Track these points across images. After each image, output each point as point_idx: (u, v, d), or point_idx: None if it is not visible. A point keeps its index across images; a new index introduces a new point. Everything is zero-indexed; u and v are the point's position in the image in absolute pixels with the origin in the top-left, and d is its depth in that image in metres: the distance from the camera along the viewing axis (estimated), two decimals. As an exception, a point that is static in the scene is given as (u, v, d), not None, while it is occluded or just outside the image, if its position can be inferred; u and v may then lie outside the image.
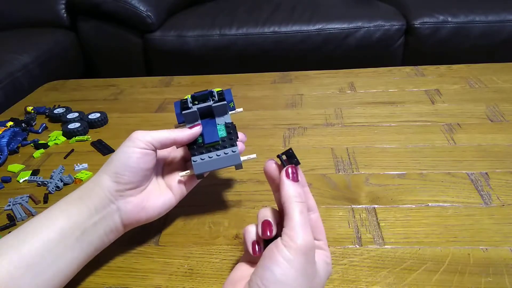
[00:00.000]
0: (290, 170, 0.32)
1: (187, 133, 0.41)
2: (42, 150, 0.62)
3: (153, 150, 0.39)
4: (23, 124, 0.70)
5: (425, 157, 0.53)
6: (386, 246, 0.40)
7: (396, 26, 1.35)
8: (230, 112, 0.45)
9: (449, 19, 1.33)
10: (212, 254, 0.41)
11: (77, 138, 0.65)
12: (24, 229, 0.34)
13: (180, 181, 0.42)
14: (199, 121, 0.44)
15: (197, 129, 0.42)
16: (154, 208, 0.40)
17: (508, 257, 0.38)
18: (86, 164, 0.58)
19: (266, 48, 1.40)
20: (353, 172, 0.52)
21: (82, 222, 0.36)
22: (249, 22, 1.42)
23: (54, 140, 0.65)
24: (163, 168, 0.44)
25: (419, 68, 0.82)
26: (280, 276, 0.27)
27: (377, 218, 0.44)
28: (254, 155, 0.42)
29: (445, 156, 0.53)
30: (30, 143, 0.65)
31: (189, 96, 0.45)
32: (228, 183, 0.51)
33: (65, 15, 1.60)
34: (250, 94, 0.76)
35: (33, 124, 0.71)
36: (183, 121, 0.44)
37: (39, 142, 0.64)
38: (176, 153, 0.46)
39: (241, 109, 0.47)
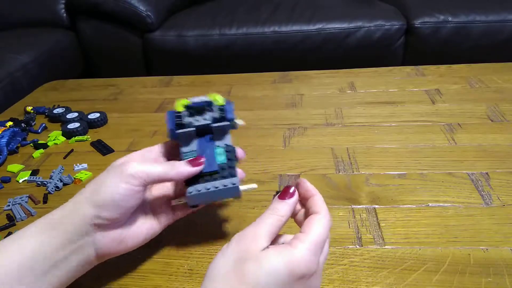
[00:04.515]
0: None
1: (186, 171, 0.36)
2: (41, 150, 0.62)
3: (144, 185, 0.35)
4: (22, 124, 0.70)
5: (425, 157, 0.53)
6: (386, 247, 0.40)
7: (397, 26, 1.35)
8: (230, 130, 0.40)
9: (450, 19, 1.33)
10: (212, 254, 0.41)
11: (76, 138, 0.65)
12: None
13: (168, 208, 0.39)
14: (196, 140, 0.39)
15: (198, 168, 0.37)
16: (134, 239, 0.36)
17: (508, 257, 0.38)
18: (86, 164, 0.57)
19: (266, 48, 1.40)
20: (353, 172, 0.51)
21: (52, 254, 0.32)
22: (249, 22, 1.42)
23: (54, 140, 0.64)
24: (150, 188, 0.40)
25: (419, 68, 0.82)
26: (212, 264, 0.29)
27: (377, 218, 0.43)
28: (254, 185, 0.38)
29: (445, 156, 0.53)
30: (29, 143, 0.65)
31: (185, 103, 0.39)
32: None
33: (64, 15, 1.60)
34: (250, 94, 0.76)
35: (33, 124, 0.71)
36: (177, 138, 0.39)
37: (39, 142, 0.64)
38: None
39: (242, 122, 0.41)
